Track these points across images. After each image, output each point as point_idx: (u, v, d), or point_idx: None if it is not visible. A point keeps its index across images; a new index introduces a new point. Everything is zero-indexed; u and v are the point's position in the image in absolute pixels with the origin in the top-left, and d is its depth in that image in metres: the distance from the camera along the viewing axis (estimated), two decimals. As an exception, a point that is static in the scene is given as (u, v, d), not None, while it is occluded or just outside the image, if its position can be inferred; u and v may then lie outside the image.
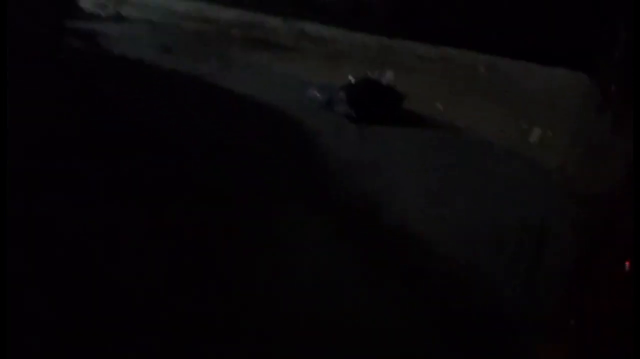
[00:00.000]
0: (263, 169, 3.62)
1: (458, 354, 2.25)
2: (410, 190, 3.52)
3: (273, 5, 12.31)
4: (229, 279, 2.48)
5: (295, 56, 7.09)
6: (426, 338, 2.29)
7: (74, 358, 1.92)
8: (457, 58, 7.81)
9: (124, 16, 7.59)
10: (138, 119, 4.00)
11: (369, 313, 2.38)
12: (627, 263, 1.64)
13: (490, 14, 11.17)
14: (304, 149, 4.11)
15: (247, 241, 2.81)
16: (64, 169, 3.02)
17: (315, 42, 8.32)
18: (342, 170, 3.74)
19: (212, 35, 7.36)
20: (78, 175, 3.00)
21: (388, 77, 5.01)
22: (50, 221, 2.56)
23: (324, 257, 2.74)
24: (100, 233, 2.57)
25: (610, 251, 1.74)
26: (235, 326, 2.19)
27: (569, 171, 3.06)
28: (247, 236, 2.85)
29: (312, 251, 2.79)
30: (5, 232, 2.04)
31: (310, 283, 2.53)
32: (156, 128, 3.95)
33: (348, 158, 3.92)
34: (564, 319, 1.87)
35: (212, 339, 2.09)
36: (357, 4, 13.48)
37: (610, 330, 1.69)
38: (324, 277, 2.57)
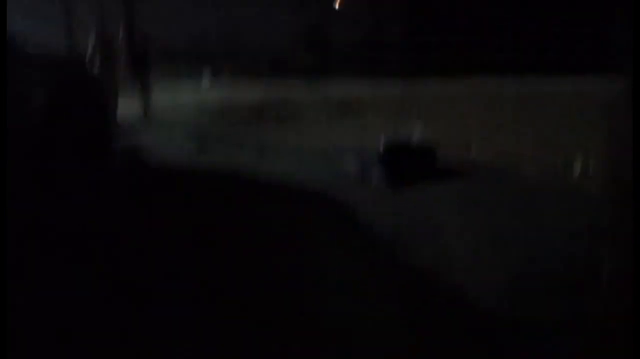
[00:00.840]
0: (305, 256, 3.67)
1: None
2: (458, 252, 3.49)
3: (294, 70, 12.73)
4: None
5: (324, 122, 7.27)
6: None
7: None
8: (482, 89, 7.76)
9: (158, 120, 8.01)
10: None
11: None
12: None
13: (511, 31, 11.10)
14: (346, 225, 4.15)
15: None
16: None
17: (340, 100, 8.48)
18: (386, 242, 3.74)
19: (243, 121, 7.63)
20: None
21: (418, 133, 5.03)
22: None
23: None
24: None
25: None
26: None
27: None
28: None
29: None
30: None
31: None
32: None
33: (390, 229, 3.93)
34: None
35: None
36: (375, 48, 13.76)
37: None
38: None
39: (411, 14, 14.35)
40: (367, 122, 7.04)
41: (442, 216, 4.08)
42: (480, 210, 4.09)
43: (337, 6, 20.66)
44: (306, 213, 4.50)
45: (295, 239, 4.01)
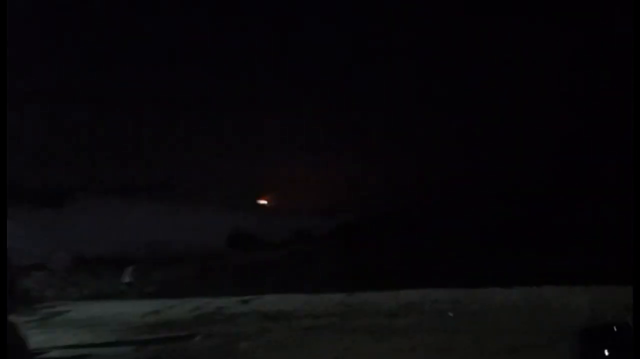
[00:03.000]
0: None
1: None
2: None
3: (222, 275, 12.26)
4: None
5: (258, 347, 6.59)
6: None
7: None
8: (439, 300, 7.43)
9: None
10: None
11: None
12: None
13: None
14: None
15: None
16: None
17: (274, 318, 7.92)
18: None
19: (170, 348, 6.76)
20: None
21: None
22: None
23: None
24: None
25: None
26: None
27: None
28: None
29: None
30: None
31: None
32: None
33: None
34: None
35: None
36: (304, 252, 13.83)
37: None
38: None
39: (342, 214, 14.83)
40: (311, 340, 6.54)
41: None
42: None
43: (263, 201, 21.31)
44: None
45: None
